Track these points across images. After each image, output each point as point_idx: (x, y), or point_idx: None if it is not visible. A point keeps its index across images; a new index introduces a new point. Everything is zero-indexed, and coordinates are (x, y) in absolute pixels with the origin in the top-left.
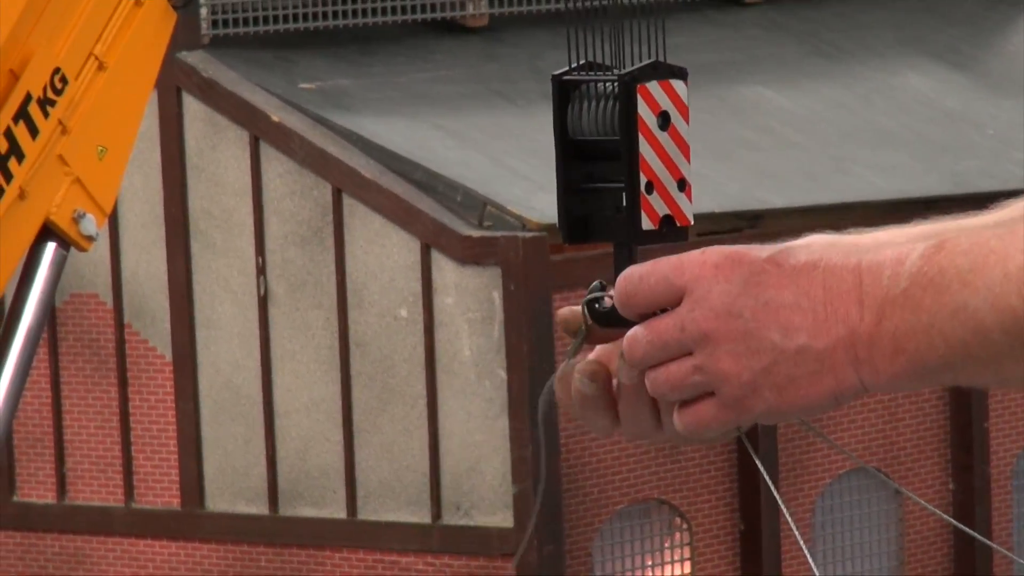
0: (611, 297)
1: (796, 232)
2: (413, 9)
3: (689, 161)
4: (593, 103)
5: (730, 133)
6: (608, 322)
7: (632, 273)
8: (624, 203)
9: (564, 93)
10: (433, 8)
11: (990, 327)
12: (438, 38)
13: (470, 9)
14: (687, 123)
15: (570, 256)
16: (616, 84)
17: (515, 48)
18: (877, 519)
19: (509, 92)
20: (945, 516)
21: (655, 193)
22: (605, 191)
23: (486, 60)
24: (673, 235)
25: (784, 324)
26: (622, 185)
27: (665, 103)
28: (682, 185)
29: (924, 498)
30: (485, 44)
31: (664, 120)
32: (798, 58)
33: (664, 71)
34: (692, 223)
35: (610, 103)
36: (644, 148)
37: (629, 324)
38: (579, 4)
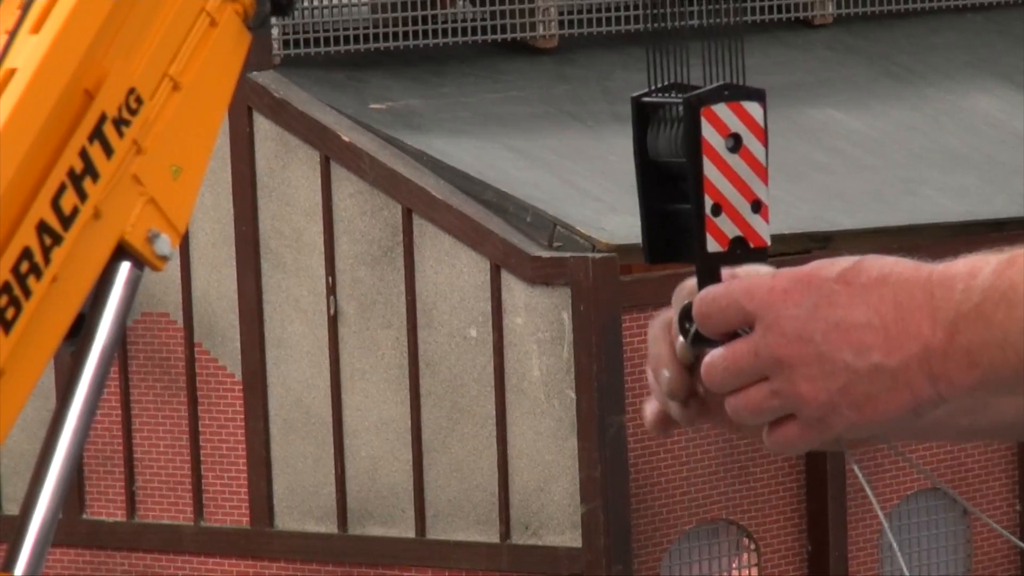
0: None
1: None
2: (484, 30)
3: (767, 183)
4: (667, 125)
5: (800, 155)
6: (696, 342)
7: (707, 295)
8: (692, 225)
9: (643, 115)
10: (503, 29)
11: None
12: (508, 59)
13: (540, 30)
14: (763, 145)
15: (639, 277)
16: (680, 107)
17: (585, 69)
18: (945, 540)
19: (579, 113)
20: (1013, 538)
21: (723, 215)
22: (684, 212)
23: (556, 81)
24: (747, 257)
25: (856, 344)
26: (686, 207)
27: (736, 125)
28: (756, 207)
29: (992, 519)
30: (555, 65)
31: (735, 142)
32: (868, 80)
33: (737, 93)
34: (768, 244)
35: (678, 126)
36: (710, 170)
37: (716, 344)
38: (658, 26)
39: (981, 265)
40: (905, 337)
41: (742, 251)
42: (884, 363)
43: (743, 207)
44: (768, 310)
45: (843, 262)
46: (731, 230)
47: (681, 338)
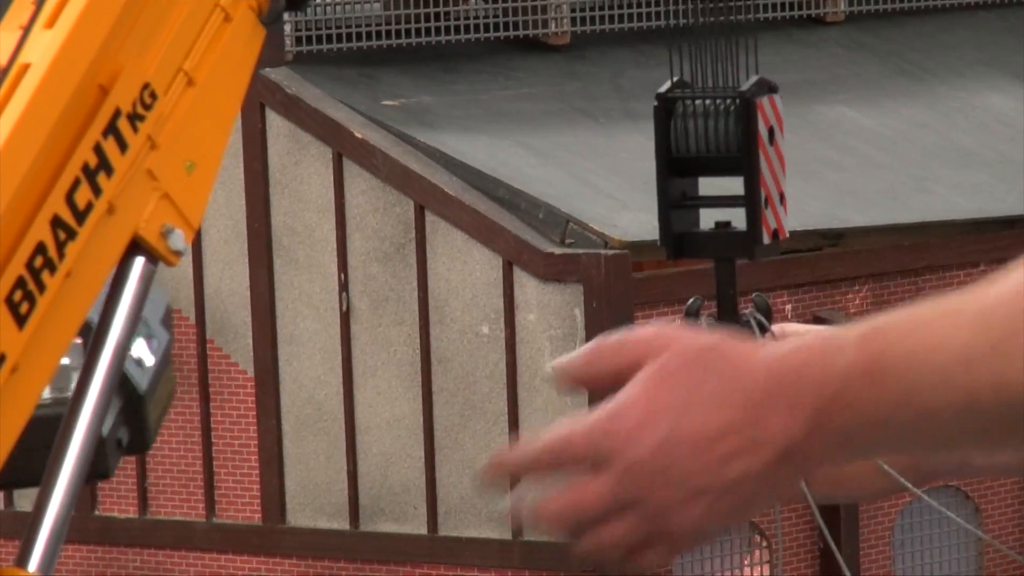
0: (710, 315)
1: (877, 251)
2: (496, 27)
3: (786, 173)
4: (701, 120)
5: (812, 152)
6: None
7: (557, 435)
8: (734, 218)
9: (667, 111)
10: (515, 26)
11: (938, 409)
12: (520, 56)
13: (552, 27)
14: (784, 136)
15: (652, 274)
16: (732, 101)
17: (597, 66)
18: (957, 538)
19: (591, 110)
20: (1012, 553)
21: (768, 208)
22: (709, 207)
23: (568, 78)
24: (775, 249)
25: (718, 460)
26: (728, 201)
27: (772, 118)
28: (782, 198)
29: (1004, 518)
30: (567, 62)
31: (771, 135)
32: (880, 77)
33: (767, 87)
34: (788, 236)
35: (722, 120)
36: (762, 164)
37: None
38: (677, 24)
39: (836, 345)
40: (767, 442)
41: (775, 243)
42: (747, 472)
43: (777, 199)
44: (621, 451)
45: (682, 367)
46: (772, 222)
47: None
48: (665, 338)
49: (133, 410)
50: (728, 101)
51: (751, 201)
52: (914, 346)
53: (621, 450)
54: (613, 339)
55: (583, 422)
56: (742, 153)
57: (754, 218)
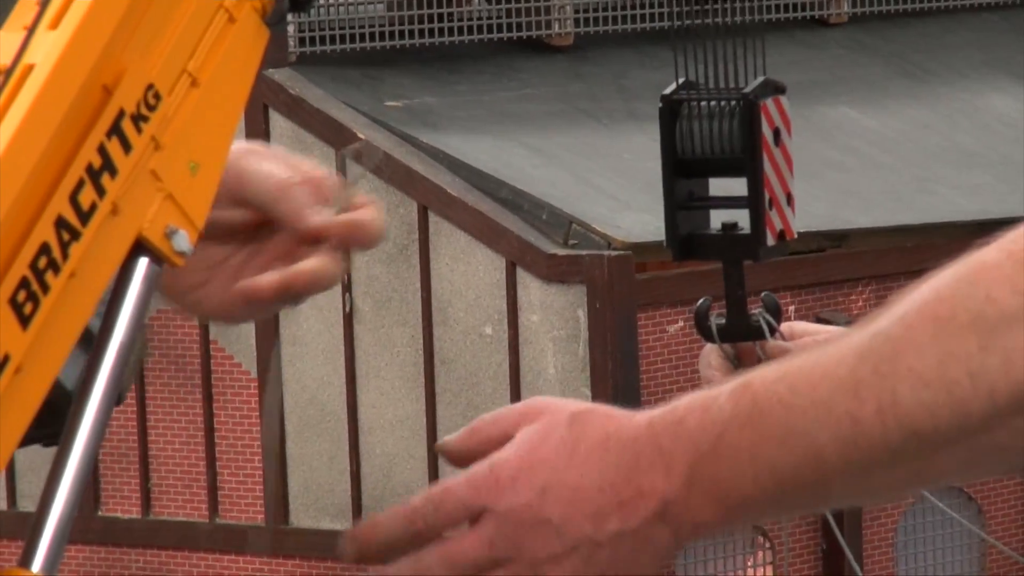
0: (721, 314)
1: (881, 252)
2: (499, 28)
3: (793, 174)
4: (706, 122)
5: (815, 153)
6: (724, 337)
7: (428, 494)
8: (741, 220)
9: (673, 112)
10: (518, 27)
11: (823, 443)
12: (523, 57)
13: (556, 28)
14: (791, 137)
15: (655, 275)
16: (734, 102)
17: (600, 67)
18: (960, 539)
19: (595, 111)
20: (1014, 554)
21: (773, 209)
22: (715, 208)
23: (571, 79)
24: (782, 249)
25: (592, 513)
26: (736, 202)
27: (777, 119)
28: (789, 199)
29: (1007, 518)
30: (570, 63)
31: (777, 136)
32: (883, 79)
33: (773, 87)
34: (796, 236)
35: (727, 121)
36: (765, 165)
37: (742, 339)
38: (683, 25)
39: (711, 398)
40: (640, 499)
41: (782, 244)
42: (623, 528)
43: (783, 200)
44: (499, 499)
45: (559, 426)
46: (778, 223)
47: (709, 345)
48: (540, 406)
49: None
50: (732, 103)
51: (754, 203)
52: (795, 383)
53: (498, 498)
54: (490, 415)
55: (461, 475)
56: (746, 155)
57: (758, 220)
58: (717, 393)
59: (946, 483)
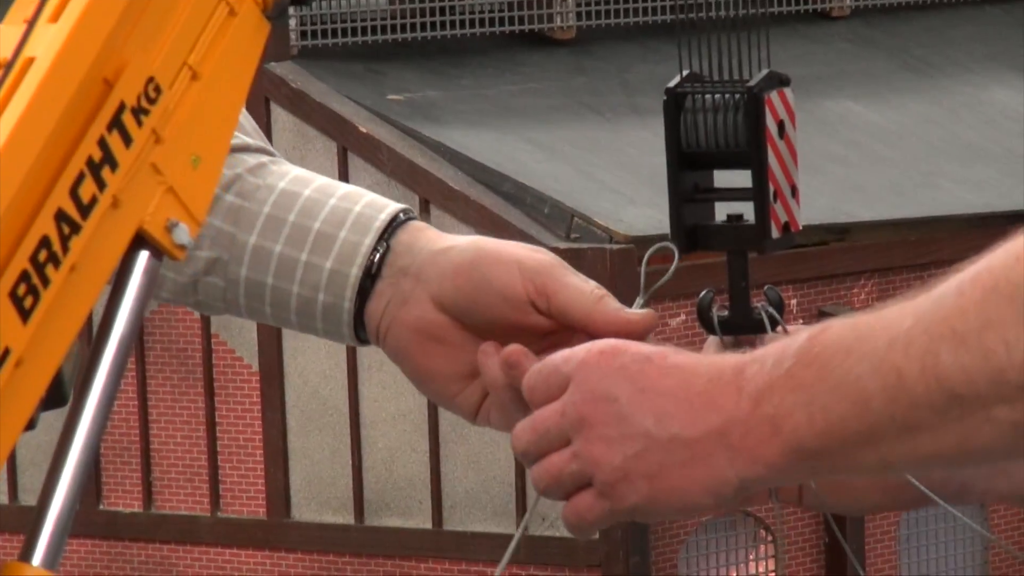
0: (723, 307)
1: (884, 246)
2: (501, 21)
3: (798, 167)
4: (711, 115)
5: (818, 147)
6: (725, 329)
7: (534, 368)
8: (746, 212)
9: (677, 105)
10: (521, 21)
11: (871, 393)
12: (526, 50)
13: (558, 21)
14: (796, 129)
15: (658, 268)
16: (739, 95)
17: (603, 61)
18: (963, 533)
19: (597, 105)
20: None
21: (778, 201)
22: (720, 201)
23: (574, 73)
24: (787, 241)
25: (659, 411)
26: (740, 194)
27: (782, 112)
28: (794, 191)
29: (1010, 513)
30: (573, 57)
31: (781, 129)
32: (887, 72)
33: (777, 80)
34: (801, 228)
35: (731, 114)
36: (769, 158)
37: (744, 332)
38: (687, 18)
39: (793, 336)
40: (708, 410)
41: (787, 237)
42: (682, 433)
43: (788, 192)
44: (580, 369)
45: (654, 348)
46: (782, 215)
47: (711, 337)
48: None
49: None
50: (737, 96)
51: (759, 195)
52: (861, 332)
53: (579, 368)
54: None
55: (547, 357)
56: (751, 148)
57: (763, 212)
58: (801, 333)
59: (994, 460)
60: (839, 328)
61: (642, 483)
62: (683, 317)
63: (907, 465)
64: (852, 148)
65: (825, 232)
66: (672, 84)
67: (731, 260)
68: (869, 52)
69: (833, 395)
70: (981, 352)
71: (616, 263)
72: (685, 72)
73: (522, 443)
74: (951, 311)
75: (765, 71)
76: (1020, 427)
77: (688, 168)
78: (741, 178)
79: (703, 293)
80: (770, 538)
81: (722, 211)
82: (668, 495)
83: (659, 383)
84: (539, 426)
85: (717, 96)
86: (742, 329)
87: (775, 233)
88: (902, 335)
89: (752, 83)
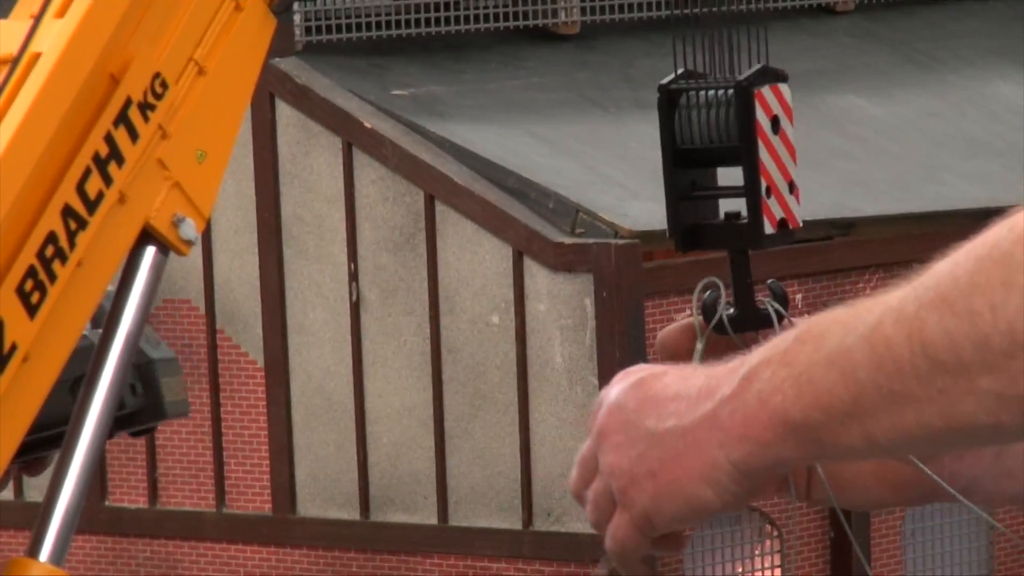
0: (729, 303)
1: (887, 240)
2: (505, 16)
3: (796, 163)
4: (703, 111)
5: (822, 142)
6: (720, 328)
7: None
8: (745, 209)
9: (671, 102)
10: (525, 16)
11: (859, 362)
12: (530, 45)
13: (562, 17)
14: (792, 125)
15: (662, 263)
16: (731, 91)
17: (607, 56)
18: (967, 527)
19: (601, 99)
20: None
21: (772, 197)
22: (716, 198)
23: (578, 67)
24: (786, 238)
25: (659, 411)
26: (734, 191)
27: (776, 107)
28: (792, 187)
29: (1015, 507)
30: (577, 51)
31: (775, 124)
32: (890, 67)
33: (772, 75)
34: (801, 225)
35: (723, 110)
36: (762, 153)
37: (747, 328)
38: (682, 13)
39: (798, 325)
40: (705, 399)
41: (783, 233)
42: (678, 424)
43: (784, 188)
44: (605, 393)
45: (673, 366)
46: (778, 211)
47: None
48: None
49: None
50: (727, 91)
51: (751, 191)
52: (859, 309)
53: (603, 396)
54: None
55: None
56: (741, 143)
57: (756, 208)
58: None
59: (979, 442)
60: (840, 310)
61: (647, 482)
62: (688, 313)
63: (892, 444)
64: (856, 143)
65: (829, 227)
66: (665, 81)
67: (732, 258)
68: (872, 47)
69: (822, 367)
70: (967, 316)
71: (621, 257)
72: (680, 69)
73: (572, 483)
74: (942, 279)
75: (758, 66)
76: (1004, 400)
77: (685, 165)
78: (738, 175)
79: (707, 293)
80: (776, 533)
81: (725, 208)
82: (669, 489)
83: (665, 388)
84: (580, 458)
85: (710, 92)
86: (748, 326)
87: (769, 229)
88: (895, 306)
89: (742, 78)
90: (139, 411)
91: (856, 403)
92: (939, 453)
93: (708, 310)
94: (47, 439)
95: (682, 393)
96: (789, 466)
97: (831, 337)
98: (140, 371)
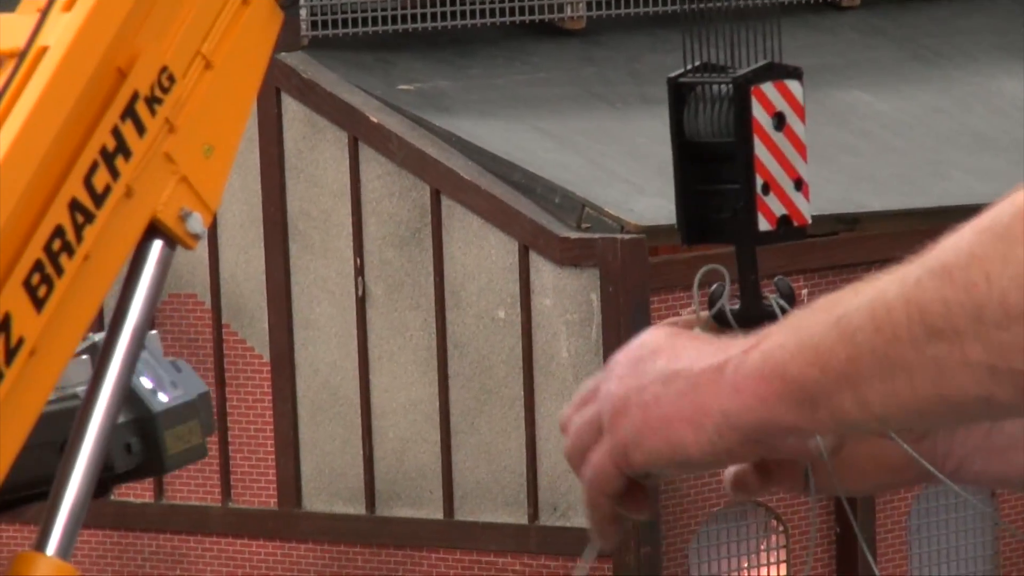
0: (735, 296)
1: (893, 235)
2: (511, 11)
3: (806, 160)
4: (708, 105)
5: (828, 137)
6: (724, 322)
7: None
8: (740, 205)
9: (680, 95)
10: (531, 11)
11: (859, 325)
12: (536, 40)
13: (568, 12)
14: (803, 123)
15: (668, 258)
16: (730, 86)
17: (613, 51)
18: (973, 522)
19: (607, 94)
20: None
21: (771, 194)
22: (722, 193)
23: (584, 63)
24: (790, 235)
25: (673, 355)
26: (731, 187)
27: (780, 104)
28: (799, 185)
29: (1020, 501)
30: (583, 46)
31: (779, 121)
32: (896, 62)
33: (779, 72)
34: (810, 223)
35: (724, 105)
36: (759, 149)
37: (751, 325)
38: (693, 7)
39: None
40: (717, 353)
41: (786, 230)
42: (689, 368)
43: (788, 185)
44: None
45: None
46: (778, 208)
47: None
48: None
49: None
50: (727, 87)
51: (745, 187)
52: (873, 280)
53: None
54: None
55: None
56: (735, 139)
57: (750, 204)
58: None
59: (972, 418)
60: (856, 282)
61: (637, 412)
62: (692, 309)
63: (886, 413)
64: (862, 138)
65: (835, 222)
66: (673, 75)
67: (739, 253)
68: (878, 42)
69: (826, 329)
70: (964, 286)
71: (627, 253)
72: (690, 64)
73: (565, 411)
74: (946, 250)
75: (763, 62)
76: (996, 373)
77: (691, 160)
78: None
79: (714, 287)
80: (781, 528)
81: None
82: (655, 425)
83: (684, 342)
84: (583, 388)
85: (716, 87)
86: (754, 321)
87: (765, 226)
88: (900, 275)
89: (739, 74)
90: (135, 470)
91: (852, 365)
92: (933, 428)
93: (713, 302)
94: (30, 496)
95: (698, 346)
96: (775, 434)
97: (841, 304)
98: (140, 426)
